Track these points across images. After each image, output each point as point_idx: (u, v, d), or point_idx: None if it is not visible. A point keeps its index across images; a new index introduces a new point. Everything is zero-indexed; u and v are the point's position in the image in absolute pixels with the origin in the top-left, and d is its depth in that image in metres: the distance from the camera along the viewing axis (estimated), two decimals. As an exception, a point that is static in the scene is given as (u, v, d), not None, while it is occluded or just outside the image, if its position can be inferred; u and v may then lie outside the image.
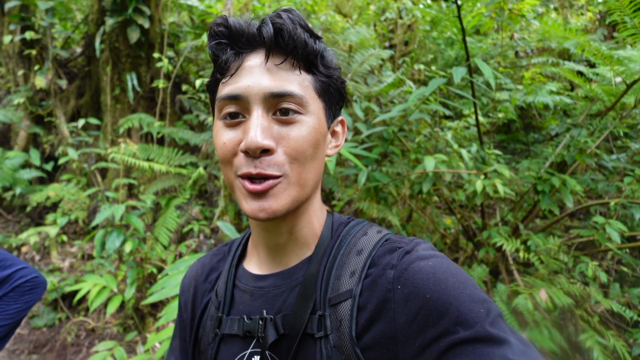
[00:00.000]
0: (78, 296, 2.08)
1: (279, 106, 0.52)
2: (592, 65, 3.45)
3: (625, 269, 2.49)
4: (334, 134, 0.62)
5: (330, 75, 0.57)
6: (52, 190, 3.38)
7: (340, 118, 0.63)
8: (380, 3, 4.36)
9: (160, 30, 4.14)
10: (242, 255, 0.67)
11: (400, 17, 4.24)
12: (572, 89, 3.92)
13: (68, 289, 2.62)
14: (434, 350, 0.43)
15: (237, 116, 0.53)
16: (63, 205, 3.34)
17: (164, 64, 3.13)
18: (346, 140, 2.60)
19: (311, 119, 0.54)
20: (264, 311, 0.56)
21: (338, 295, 0.52)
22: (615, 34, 4.24)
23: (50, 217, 3.27)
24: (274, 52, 0.53)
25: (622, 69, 2.32)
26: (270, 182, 0.51)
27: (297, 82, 0.53)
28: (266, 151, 0.51)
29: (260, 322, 0.55)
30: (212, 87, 0.59)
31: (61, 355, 2.43)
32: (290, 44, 0.52)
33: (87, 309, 2.78)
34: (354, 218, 0.64)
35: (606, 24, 4.69)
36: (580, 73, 2.94)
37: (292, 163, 0.52)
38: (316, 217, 0.61)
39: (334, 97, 0.59)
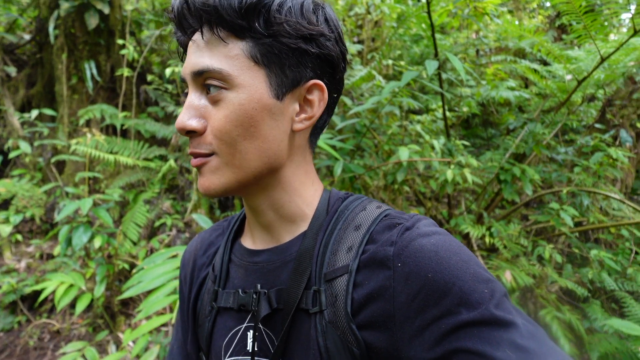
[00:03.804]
0: (43, 295, 1.95)
1: (205, 84, 0.49)
2: (545, 64, 3.72)
3: (576, 250, 2.72)
4: (306, 102, 0.53)
5: (274, 33, 0.48)
6: (2, 186, 3.12)
7: (311, 82, 0.52)
8: (348, -2, 4.41)
9: (121, 17, 3.93)
10: (240, 231, 0.66)
11: (369, 13, 4.31)
12: (526, 87, 4.20)
13: (28, 290, 2.44)
14: (434, 331, 0.41)
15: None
16: (16, 202, 3.09)
17: (129, 52, 2.98)
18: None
19: (238, 94, 0.48)
20: (258, 285, 0.55)
21: (334, 271, 0.50)
22: (564, 36, 4.59)
23: (1, 215, 3.02)
24: (195, 26, 0.50)
25: (573, 67, 2.53)
26: (200, 159, 0.51)
27: (221, 54, 0.48)
28: (194, 132, 0.50)
29: (254, 296, 0.54)
30: None
31: (23, 359, 2.27)
32: (196, 14, 0.48)
33: (50, 311, 2.61)
34: (352, 193, 0.60)
35: (555, 26, 5.05)
36: (535, 71, 3.16)
37: (220, 143, 0.49)
38: (298, 195, 0.57)
39: (287, 57, 0.49)
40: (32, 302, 2.67)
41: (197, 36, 0.50)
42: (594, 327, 2.22)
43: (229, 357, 0.57)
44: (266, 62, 0.49)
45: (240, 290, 0.56)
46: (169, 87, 3.80)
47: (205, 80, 0.49)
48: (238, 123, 0.48)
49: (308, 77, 0.52)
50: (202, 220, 2.06)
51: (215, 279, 0.61)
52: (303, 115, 0.53)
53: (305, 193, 0.57)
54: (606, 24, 2.43)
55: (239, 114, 0.48)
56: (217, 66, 0.48)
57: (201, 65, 0.49)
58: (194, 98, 0.50)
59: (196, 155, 0.51)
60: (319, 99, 0.53)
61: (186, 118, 0.49)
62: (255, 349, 0.53)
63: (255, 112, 0.49)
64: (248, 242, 0.62)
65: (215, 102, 0.49)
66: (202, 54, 0.49)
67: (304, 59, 0.50)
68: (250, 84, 0.49)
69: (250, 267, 0.58)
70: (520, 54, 4.37)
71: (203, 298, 0.63)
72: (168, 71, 2.46)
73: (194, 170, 2.89)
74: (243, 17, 0.47)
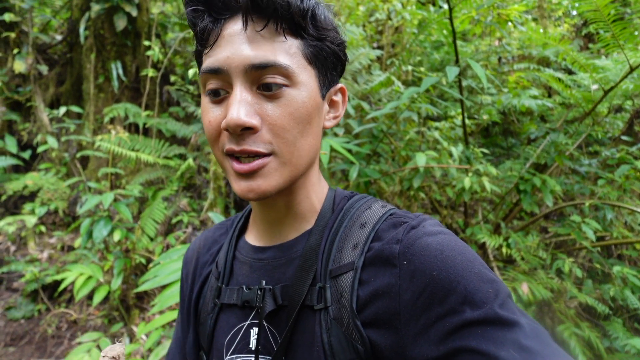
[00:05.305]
0: (63, 285, 2.02)
1: (263, 79, 0.47)
2: (569, 73, 3.63)
3: (598, 266, 2.63)
4: (332, 104, 0.57)
5: (323, 37, 0.51)
6: (30, 179, 3.25)
7: (339, 86, 0.57)
8: (369, 4, 4.42)
9: (148, 20, 4.06)
10: (244, 228, 0.66)
11: (390, 19, 4.31)
12: (549, 96, 4.10)
13: (50, 279, 2.53)
14: (439, 330, 0.41)
15: (220, 93, 0.49)
16: (42, 194, 3.22)
17: (155, 53, 3.07)
18: (336, 135, 2.64)
19: (300, 91, 0.49)
20: (263, 281, 0.55)
21: (339, 267, 0.50)
22: (590, 45, 4.48)
23: (27, 207, 3.14)
24: (253, 16, 0.47)
25: (599, 77, 2.46)
26: (259, 162, 0.48)
27: (283, 50, 0.47)
28: (249, 129, 0.47)
29: (259, 292, 0.54)
30: (198, 59, 0.54)
31: (41, 347, 2.34)
32: (271, 6, 0.46)
33: (69, 301, 2.69)
34: (357, 193, 0.61)
35: (582, 35, 4.93)
36: (559, 79, 3.09)
37: (281, 141, 0.48)
38: (314, 191, 0.58)
39: (329, 62, 0.53)
40: (52, 292, 2.76)
41: (250, 27, 0.47)
42: (614, 346, 2.14)
43: (231, 354, 0.56)
44: (316, 63, 0.51)
45: (244, 287, 0.56)
46: (191, 88, 3.89)
47: (266, 74, 0.47)
48: (299, 120, 0.49)
49: (336, 80, 0.57)
50: (218, 219, 2.09)
51: (218, 275, 0.61)
52: (331, 114, 0.57)
53: (318, 188, 0.59)
54: (636, 33, 2.36)
55: (302, 112, 0.49)
56: (284, 62, 0.47)
57: (265, 59, 0.46)
58: (245, 93, 0.47)
59: (252, 154, 0.48)
60: (342, 100, 0.59)
61: (243, 114, 0.46)
62: (259, 346, 0.53)
63: (312, 110, 0.50)
64: (253, 239, 0.62)
65: (274, 98, 0.48)
66: (258, 46, 0.47)
67: (337, 64, 0.55)
68: (308, 82, 0.50)
69: (255, 263, 0.58)
70: (544, 62, 4.28)
71: (205, 295, 0.63)
72: (191, 72, 2.53)
73: (212, 169, 2.94)
74: (304, 17, 0.48)
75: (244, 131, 0.47)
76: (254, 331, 0.55)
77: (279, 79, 0.47)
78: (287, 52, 0.48)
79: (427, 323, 0.42)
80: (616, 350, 2.11)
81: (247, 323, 0.56)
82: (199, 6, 0.49)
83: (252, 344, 0.54)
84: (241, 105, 0.46)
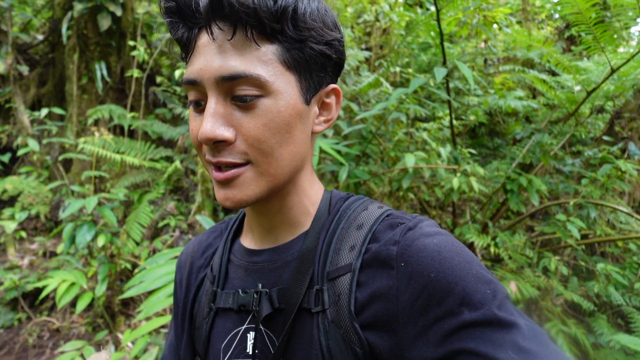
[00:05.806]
0: (45, 292, 1.95)
1: (235, 91, 0.45)
2: (553, 75, 3.70)
3: (582, 263, 2.68)
4: (324, 106, 0.54)
5: (304, 38, 0.47)
6: (9, 183, 3.14)
7: (331, 87, 0.54)
8: (358, 6, 4.43)
9: (133, 20, 3.99)
10: (239, 231, 0.65)
11: (378, 20, 4.33)
12: (534, 97, 4.18)
13: (30, 287, 2.44)
14: (437, 332, 0.41)
15: (200, 104, 0.49)
16: (22, 199, 3.12)
17: (140, 53, 3.01)
18: (325, 137, 2.63)
19: (275, 100, 0.46)
20: (259, 285, 0.54)
21: (337, 269, 0.50)
22: (572, 47, 4.58)
23: (7, 212, 3.04)
24: (221, 24, 0.45)
25: (582, 78, 2.51)
26: (234, 171, 0.47)
27: (255, 59, 0.45)
28: (223, 141, 0.46)
29: (255, 296, 0.53)
30: None
31: (21, 357, 2.25)
32: (234, 13, 0.43)
33: (50, 309, 2.61)
34: (353, 194, 0.60)
35: (564, 37, 5.04)
36: (543, 81, 3.15)
37: (257, 152, 0.47)
38: (306, 195, 0.57)
39: (314, 63, 0.49)
40: (34, 300, 2.67)
41: (221, 35, 0.45)
42: (599, 342, 2.18)
43: (227, 359, 0.55)
44: (297, 68, 0.48)
45: (240, 291, 0.55)
46: (178, 89, 3.83)
47: (237, 86, 0.45)
48: (276, 130, 0.47)
49: (327, 81, 0.53)
50: (206, 222, 2.06)
51: (214, 279, 0.60)
52: (322, 118, 0.54)
53: (311, 192, 0.58)
54: (615, 36, 2.42)
55: (278, 122, 0.47)
56: (255, 72, 0.45)
57: (234, 70, 0.44)
58: (219, 105, 0.46)
59: (228, 165, 0.47)
60: (335, 102, 0.55)
61: (216, 127, 0.45)
62: (256, 351, 0.52)
63: (291, 119, 0.48)
64: (248, 242, 0.61)
65: (248, 109, 0.46)
66: (228, 56, 0.45)
67: (326, 64, 0.51)
68: (285, 89, 0.47)
69: (251, 267, 0.57)
70: (529, 64, 4.35)
71: (200, 300, 0.62)
72: (177, 73, 2.49)
73: (199, 171, 2.90)
74: (278, 20, 0.45)
75: (217, 143, 0.46)
76: (251, 335, 0.54)
77: (251, 90, 0.45)
78: (260, 60, 0.45)
79: (426, 325, 0.42)
80: (601, 346, 2.15)
81: (243, 327, 0.55)
82: (172, 17, 0.48)
83: (249, 349, 0.54)
84: (214, 119, 0.45)
